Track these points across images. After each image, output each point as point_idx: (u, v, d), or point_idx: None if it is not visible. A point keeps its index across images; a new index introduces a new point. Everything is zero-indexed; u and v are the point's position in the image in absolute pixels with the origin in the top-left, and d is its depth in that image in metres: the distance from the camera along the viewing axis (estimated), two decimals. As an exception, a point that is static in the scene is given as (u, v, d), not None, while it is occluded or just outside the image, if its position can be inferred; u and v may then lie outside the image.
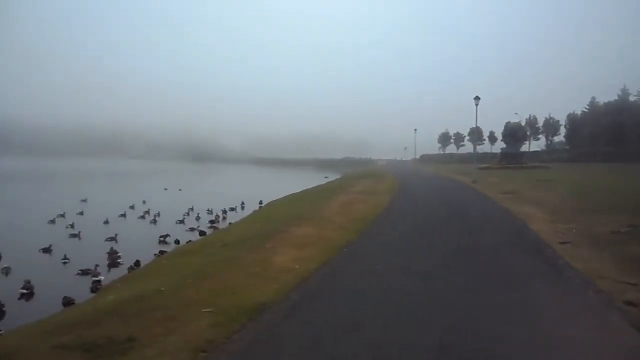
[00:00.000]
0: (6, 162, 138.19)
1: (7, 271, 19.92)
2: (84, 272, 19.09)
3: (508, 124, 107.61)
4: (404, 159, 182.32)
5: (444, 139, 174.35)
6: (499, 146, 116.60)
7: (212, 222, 33.84)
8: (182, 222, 34.39)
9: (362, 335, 8.50)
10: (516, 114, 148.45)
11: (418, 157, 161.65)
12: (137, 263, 20.12)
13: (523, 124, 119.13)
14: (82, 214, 37.22)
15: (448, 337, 8.31)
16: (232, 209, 40.64)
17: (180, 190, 62.86)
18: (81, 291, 16.51)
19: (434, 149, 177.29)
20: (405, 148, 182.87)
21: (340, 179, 74.44)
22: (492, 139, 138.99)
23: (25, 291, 16.94)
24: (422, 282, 11.99)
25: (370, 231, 20.47)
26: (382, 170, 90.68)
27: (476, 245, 17.04)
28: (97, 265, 19.69)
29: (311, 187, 53.76)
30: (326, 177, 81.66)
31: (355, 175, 73.15)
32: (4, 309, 15.00)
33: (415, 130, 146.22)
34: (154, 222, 34.71)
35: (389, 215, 25.72)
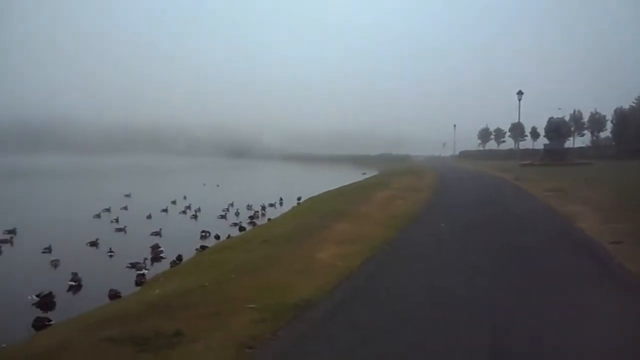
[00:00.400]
0: (54, 159, 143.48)
1: (56, 263, 20.57)
2: (133, 265, 19.51)
3: (551, 119, 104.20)
4: (442, 155, 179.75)
5: (484, 134, 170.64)
6: (542, 142, 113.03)
7: (251, 217, 34.14)
8: (223, 217, 34.81)
9: (407, 335, 8.35)
10: (559, 108, 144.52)
11: (457, 153, 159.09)
12: (179, 257, 20.44)
13: (567, 119, 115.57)
14: (125, 208, 38.14)
15: (499, 344, 7.98)
16: (271, 205, 40.94)
17: (217, 185, 63.77)
18: (126, 284, 16.85)
19: (473, 145, 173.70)
20: (444, 144, 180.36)
21: (377, 175, 73.99)
22: (534, 134, 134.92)
23: (73, 283, 17.43)
24: (466, 283, 11.67)
25: (410, 228, 20.21)
26: (421, 167, 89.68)
27: (521, 244, 16.54)
28: (145, 259, 20.34)
29: (349, 183, 53.58)
30: (364, 174, 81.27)
31: (393, 172, 72.53)
32: (54, 299, 15.48)
33: (455, 125, 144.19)
34: (194, 217, 35.24)
35: (429, 212, 25.36)
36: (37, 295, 15.33)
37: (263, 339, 8.26)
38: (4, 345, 10.02)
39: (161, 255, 21.81)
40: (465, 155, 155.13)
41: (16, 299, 15.28)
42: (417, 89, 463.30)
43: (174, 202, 41.96)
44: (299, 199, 42.71)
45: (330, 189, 45.90)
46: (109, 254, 22.58)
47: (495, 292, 10.91)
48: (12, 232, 26.36)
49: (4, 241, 24.47)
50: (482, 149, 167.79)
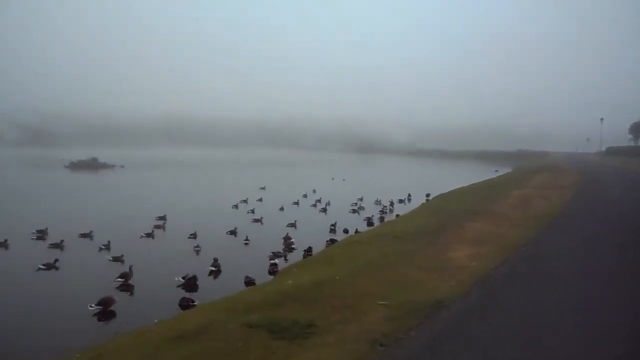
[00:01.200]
0: (195, 152, 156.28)
1: (198, 249, 22.27)
2: (275, 255, 20.44)
3: None
4: (584, 152, 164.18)
5: (637, 129, 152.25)
6: None
7: (381, 212, 34.08)
8: (355, 211, 35.30)
9: (546, 345, 7.61)
10: None
11: (603, 149, 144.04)
12: (309, 249, 20.99)
13: None
14: (260, 200, 40.23)
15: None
16: (401, 201, 40.59)
17: (343, 180, 64.78)
18: (260, 272, 17.69)
19: (623, 140, 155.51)
20: (588, 139, 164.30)
21: (512, 172, 69.75)
22: None
23: (213, 268, 18.71)
24: (611, 297, 10.28)
25: (550, 229, 18.57)
26: (560, 164, 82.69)
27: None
28: (284, 248, 21.46)
29: (481, 180, 51.18)
30: (496, 171, 77.28)
31: (529, 169, 67.87)
32: (197, 282, 16.73)
33: (602, 119, 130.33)
34: (324, 210, 36.04)
35: (571, 213, 23.10)
36: (183, 277, 16.69)
37: (395, 337, 8.04)
38: (155, 321, 11.00)
39: (292, 246, 22.59)
40: (612, 151, 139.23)
41: (165, 280, 16.74)
42: (558, 80, 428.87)
43: (305, 196, 43.43)
44: (427, 195, 41.78)
45: (461, 186, 44.21)
46: (245, 242, 23.96)
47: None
48: (163, 218, 29.14)
49: (158, 227, 27.23)
50: (634, 144, 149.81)
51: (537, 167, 74.37)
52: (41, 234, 24.13)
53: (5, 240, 22.04)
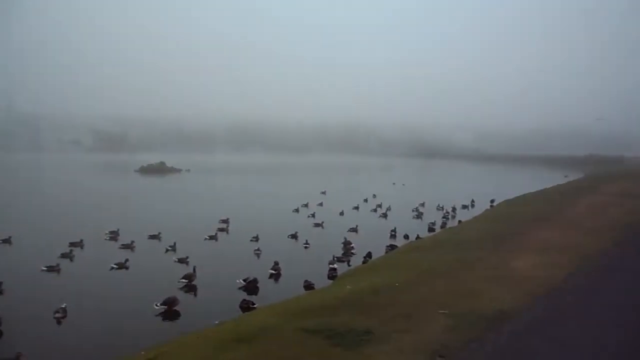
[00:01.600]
0: (257, 157, 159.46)
1: (259, 251, 22.64)
2: (339, 259, 20.52)
3: None
4: None
5: None
6: None
7: (443, 217, 33.37)
8: (418, 216, 34.85)
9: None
10: None
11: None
12: (369, 254, 20.83)
13: None
14: (321, 204, 40.42)
15: None
16: (464, 207, 39.58)
17: (403, 184, 64.02)
18: (319, 277, 17.71)
19: None
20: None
21: (583, 178, 66.40)
22: None
23: (273, 271, 18.95)
24: None
25: (628, 240, 17.48)
26: (638, 170, 77.77)
27: None
28: (343, 253, 21.39)
29: (549, 186, 49.02)
30: (566, 176, 73.71)
31: (603, 175, 64.30)
32: (257, 285, 17.01)
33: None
34: (384, 215, 35.70)
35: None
36: (244, 280, 17.03)
37: (455, 348, 7.79)
38: (216, 322, 11.28)
39: (352, 251, 22.50)
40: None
41: (227, 281, 17.14)
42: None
43: (365, 200, 43.26)
44: (492, 201, 40.49)
45: (528, 191, 42.51)
46: (305, 245, 24.17)
47: None
48: (226, 221, 29.92)
49: (221, 229, 28.04)
50: None
51: (612, 172, 70.36)
52: (113, 235, 25.41)
53: (81, 240, 23.35)
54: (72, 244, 22.50)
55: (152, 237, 25.27)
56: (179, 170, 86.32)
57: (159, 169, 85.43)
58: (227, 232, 27.87)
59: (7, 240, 23.96)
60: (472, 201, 41.89)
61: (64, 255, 20.81)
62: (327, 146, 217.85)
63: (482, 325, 8.75)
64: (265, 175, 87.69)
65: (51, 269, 18.93)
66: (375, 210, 38.07)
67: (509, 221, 21.99)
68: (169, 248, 22.85)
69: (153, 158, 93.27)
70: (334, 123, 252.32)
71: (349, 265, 19.73)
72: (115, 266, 19.35)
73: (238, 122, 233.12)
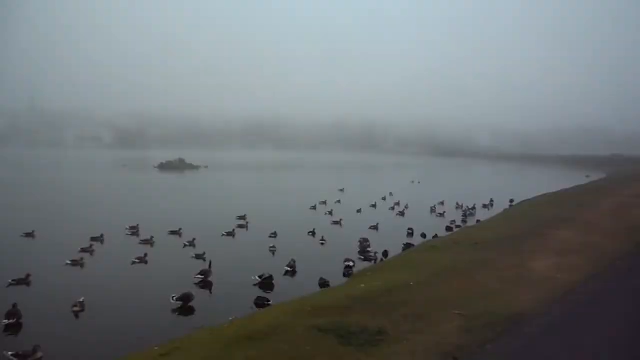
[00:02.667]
0: (276, 154, 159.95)
1: (273, 250, 22.73)
2: (366, 258, 20.58)
3: None
4: None
5: None
6: None
7: (462, 217, 33.09)
8: (439, 215, 34.64)
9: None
10: None
11: None
12: (385, 253, 20.79)
13: None
14: (339, 202, 40.37)
15: None
16: (485, 206, 39.21)
17: (419, 182, 63.81)
18: (335, 274, 17.71)
19: None
20: None
21: (606, 178, 65.26)
22: None
23: (289, 269, 19.00)
24: None
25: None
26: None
27: None
28: (376, 252, 21.20)
29: (569, 187, 48.30)
30: (587, 176, 72.47)
31: (625, 176, 63.10)
32: (273, 282, 17.10)
33: None
34: (402, 214, 35.56)
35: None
36: (260, 277, 17.12)
37: (470, 350, 7.75)
38: (230, 318, 11.38)
39: (368, 249, 22.44)
40: None
41: (243, 278, 17.24)
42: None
43: (383, 198, 43.12)
44: (511, 201, 40.01)
45: (548, 191, 41.93)
46: (321, 241, 24.24)
47: None
48: (243, 217, 30.10)
49: (241, 226, 28.24)
50: None
51: (636, 173, 69.00)
52: (134, 230, 25.77)
53: (102, 235, 23.72)
54: (93, 239, 22.86)
55: (173, 232, 25.60)
56: (197, 167, 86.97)
57: (178, 166, 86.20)
58: (246, 229, 28.05)
59: (30, 234, 24.46)
60: (492, 200, 41.47)
61: (84, 250, 21.12)
62: (344, 144, 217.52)
63: (498, 327, 8.68)
64: (282, 172, 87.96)
65: (75, 263, 19.30)
66: (392, 209, 37.93)
67: (527, 221, 21.77)
68: (187, 244, 23.08)
69: (171, 155, 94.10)
70: (350, 121, 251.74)
71: (375, 262, 19.58)
72: (136, 260, 19.71)
73: (254, 120, 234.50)
